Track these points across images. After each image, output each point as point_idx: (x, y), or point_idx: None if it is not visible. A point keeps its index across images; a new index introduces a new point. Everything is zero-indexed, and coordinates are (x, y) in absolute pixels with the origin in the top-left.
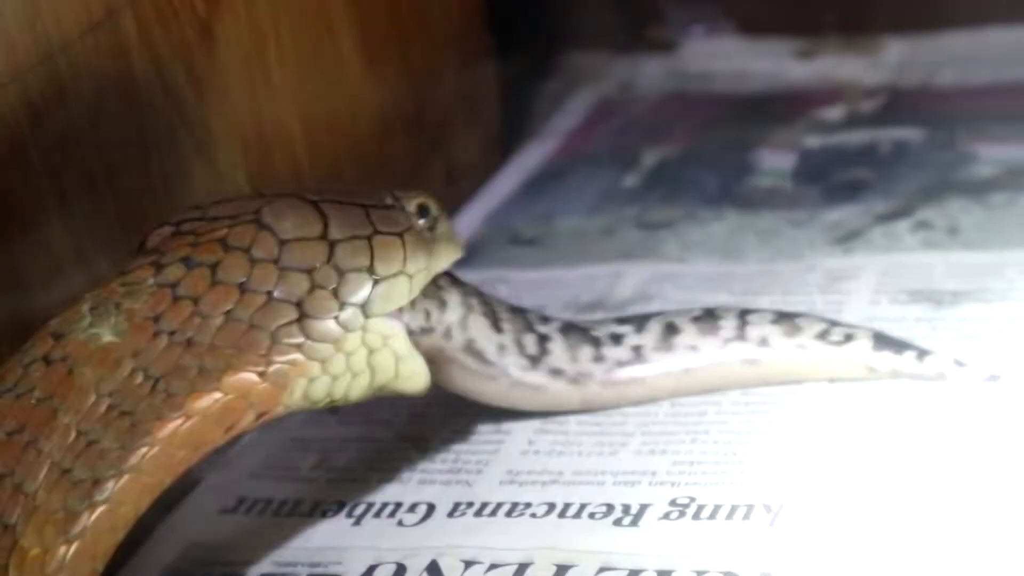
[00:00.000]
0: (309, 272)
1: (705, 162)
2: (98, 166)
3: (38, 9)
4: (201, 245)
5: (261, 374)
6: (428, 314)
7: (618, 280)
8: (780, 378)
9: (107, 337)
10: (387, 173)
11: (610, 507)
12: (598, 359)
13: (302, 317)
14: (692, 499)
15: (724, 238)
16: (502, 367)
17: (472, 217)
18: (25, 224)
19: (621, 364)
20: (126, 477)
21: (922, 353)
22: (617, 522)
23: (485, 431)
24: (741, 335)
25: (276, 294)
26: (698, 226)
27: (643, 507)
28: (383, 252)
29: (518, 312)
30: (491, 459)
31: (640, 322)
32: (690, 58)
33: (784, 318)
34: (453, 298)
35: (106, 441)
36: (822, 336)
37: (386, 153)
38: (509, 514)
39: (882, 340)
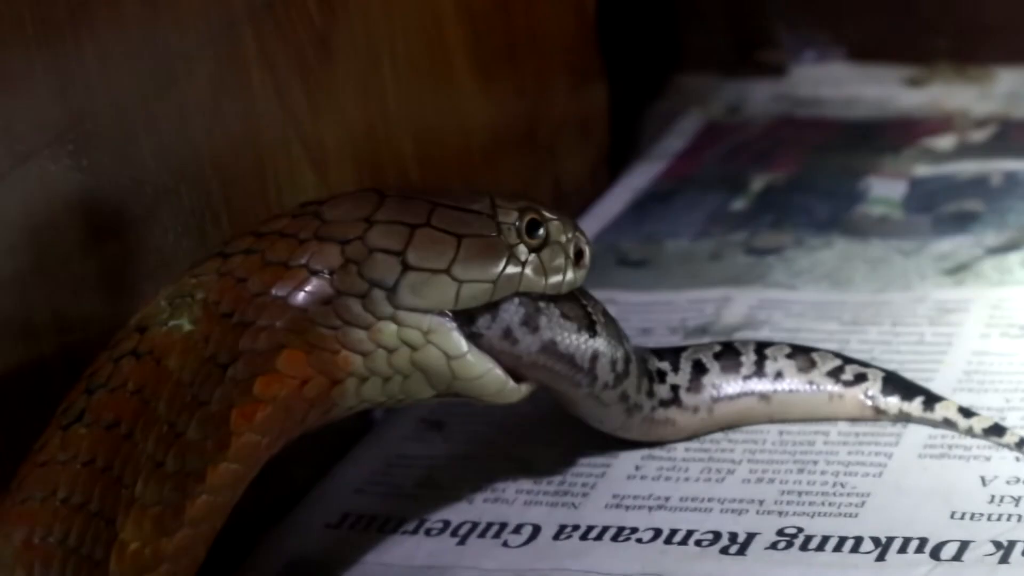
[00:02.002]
0: (342, 244)
1: (814, 188)
2: (212, 176)
3: (159, 19)
4: (263, 236)
5: (308, 353)
6: (473, 319)
7: (726, 305)
8: (793, 415)
9: (187, 327)
10: (496, 191)
11: (717, 535)
12: (650, 394)
13: (335, 296)
14: (800, 529)
15: (833, 266)
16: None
17: None
18: (139, 231)
19: (664, 403)
20: (214, 467)
21: (930, 399)
22: (724, 550)
23: (592, 454)
24: (759, 371)
25: (312, 266)
26: (807, 253)
27: (750, 536)
28: (424, 244)
29: (611, 321)
30: (597, 482)
31: (673, 358)
32: (800, 83)
33: (799, 352)
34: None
35: (192, 432)
36: (834, 374)
37: (496, 170)
38: (615, 539)
39: (891, 382)
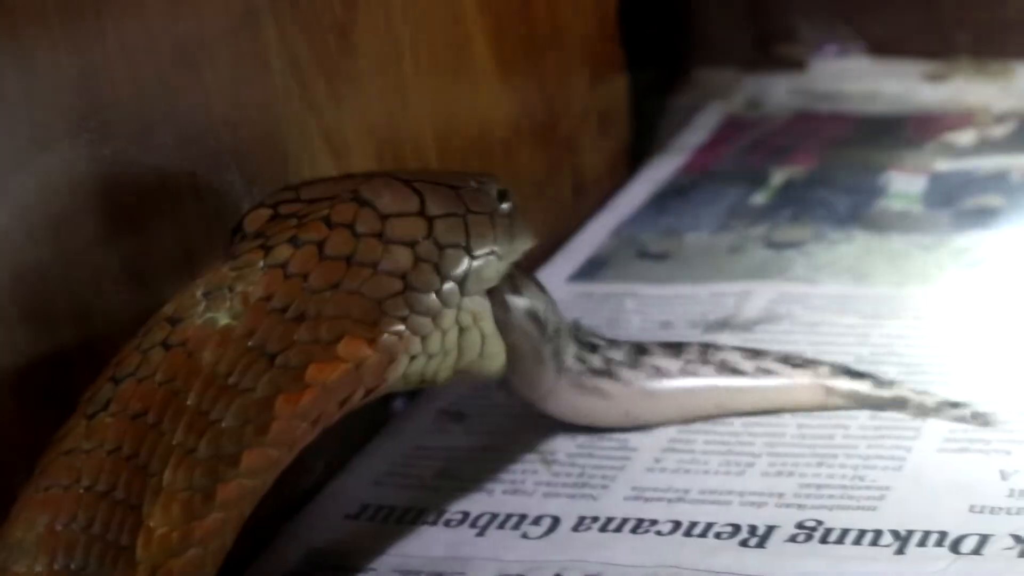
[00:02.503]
0: (412, 246)
1: (834, 183)
2: (233, 165)
3: (181, 8)
4: (306, 225)
5: (371, 343)
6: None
7: (746, 299)
8: (746, 404)
9: (224, 320)
10: (516, 183)
11: (736, 528)
12: (580, 360)
13: (406, 289)
14: (819, 523)
15: (853, 260)
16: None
17: (599, 230)
18: (160, 221)
19: (596, 372)
20: (250, 452)
21: (880, 382)
22: (743, 543)
23: (611, 447)
24: (703, 358)
25: (381, 266)
26: (827, 247)
27: (770, 529)
28: (476, 230)
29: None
30: (617, 475)
31: (615, 340)
32: (819, 77)
33: (748, 350)
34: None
35: (228, 420)
36: (783, 360)
37: (516, 163)
38: (634, 530)
39: (842, 368)
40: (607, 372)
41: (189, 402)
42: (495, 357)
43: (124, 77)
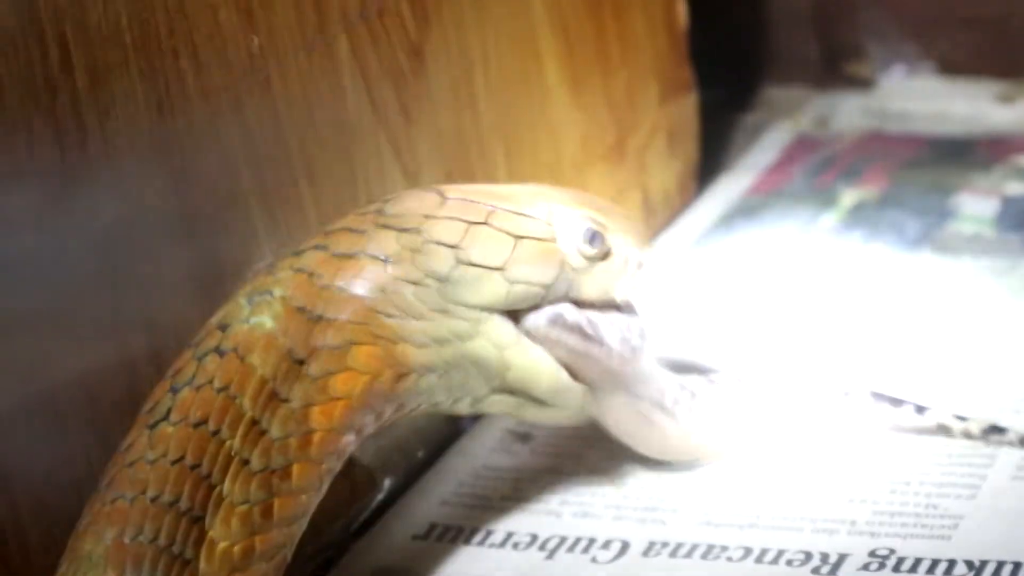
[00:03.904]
0: (400, 232)
1: (904, 204)
2: (305, 185)
3: (255, 25)
4: (332, 232)
5: (375, 346)
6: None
7: None
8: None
9: (268, 324)
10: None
11: (808, 555)
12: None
13: (390, 282)
14: (892, 551)
15: None
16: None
17: (668, 248)
18: (229, 233)
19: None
20: (300, 466)
21: (920, 408)
22: (815, 571)
23: (680, 471)
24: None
25: (370, 251)
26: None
27: (842, 557)
28: (481, 240)
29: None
30: (687, 499)
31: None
32: (889, 96)
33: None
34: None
35: (274, 430)
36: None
37: (585, 181)
38: (705, 556)
39: (879, 395)
40: (660, 404)
41: (244, 408)
42: (535, 369)
43: (197, 96)
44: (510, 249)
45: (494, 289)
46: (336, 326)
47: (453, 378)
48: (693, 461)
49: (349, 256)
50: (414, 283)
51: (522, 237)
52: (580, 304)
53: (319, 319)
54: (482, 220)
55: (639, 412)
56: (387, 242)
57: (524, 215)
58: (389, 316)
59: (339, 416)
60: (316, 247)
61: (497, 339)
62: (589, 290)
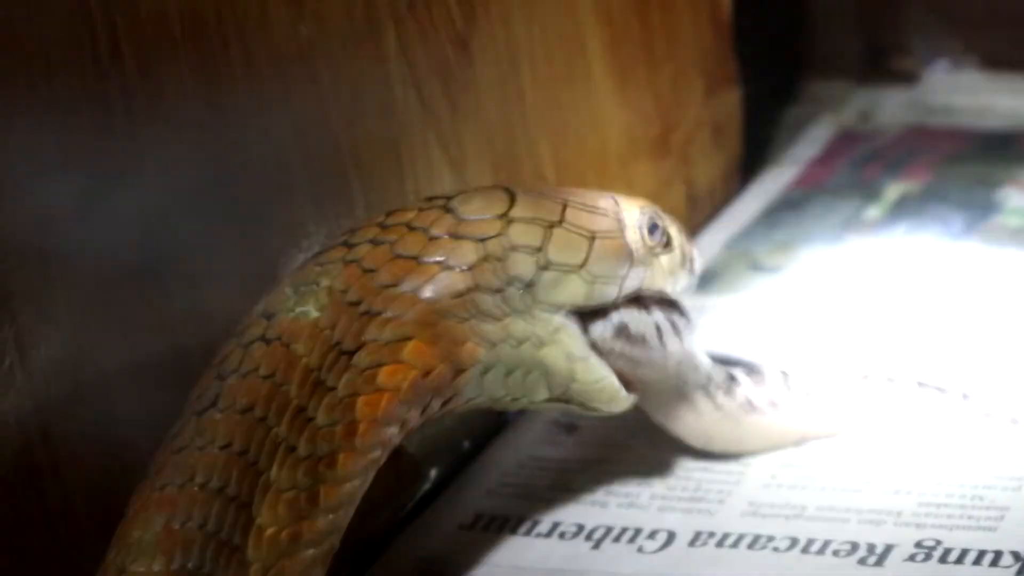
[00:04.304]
0: (480, 242)
1: (949, 198)
2: (354, 176)
3: (303, 14)
4: (389, 227)
5: (434, 345)
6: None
7: None
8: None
9: (313, 314)
10: (630, 194)
11: (854, 546)
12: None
13: (471, 291)
14: (939, 542)
15: None
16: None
17: (711, 241)
18: (277, 225)
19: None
20: (344, 454)
21: (964, 397)
22: (861, 561)
23: (725, 461)
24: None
25: (448, 262)
26: None
27: (888, 547)
28: (561, 241)
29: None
30: (733, 489)
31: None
32: (933, 91)
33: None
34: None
35: (320, 418)
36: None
37: (630, 174)
38: (751, 546)
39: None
40: (706, 392)
41: (291, 395)
42: (598, 386)
43: (246, 88)
44: (587, 247)
45: (575, 289)
46: (395, 323)
47: (515, 378)
48: (737, 451)
49: (415, 258)
50: (496, 291)
51: (596, 233)
52: (641, 299)
53: (375, 315)
54: (558, 219)
55: (686, 401)
56: (465, 252)
57: (593, 211)
58: (461, 320)
59: (384, 408)
60: (372, 241)
61: (568, 350)
62: (652, 283)
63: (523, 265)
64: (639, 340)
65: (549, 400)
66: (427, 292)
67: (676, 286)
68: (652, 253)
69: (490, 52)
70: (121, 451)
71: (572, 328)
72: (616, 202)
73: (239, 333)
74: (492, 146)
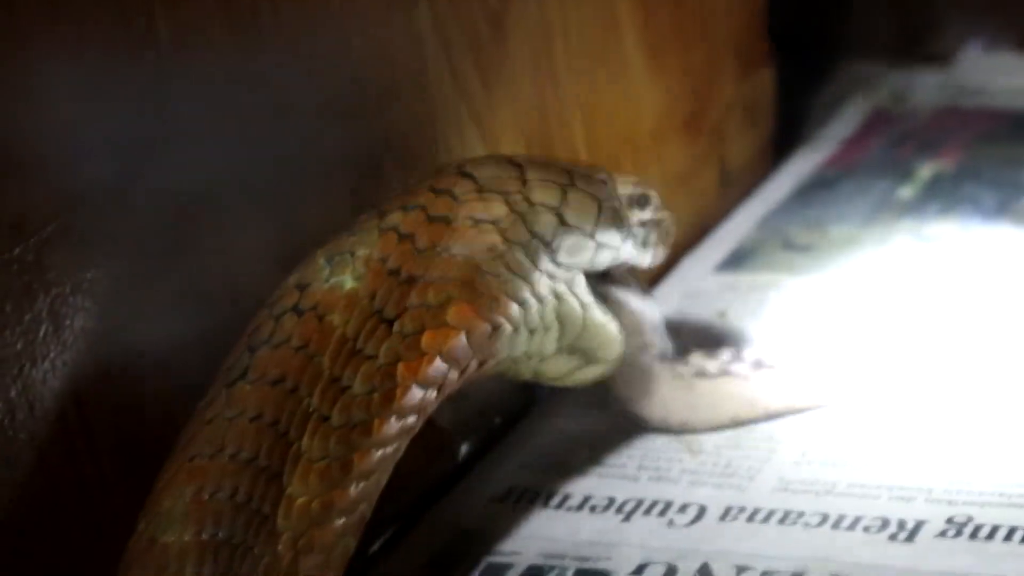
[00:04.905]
0: (505, 196)
1: (981, 177)
2: (386, 152)
3: None
4: (414, 193)
5: (474, 306)
6: None
7: None
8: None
9: (349, 284)
10: (662, 172)
11: (885, 521)
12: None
13: (502, 245)
14: (970, 518)
15: None
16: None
17: (744, 220)
18: (310, 202)
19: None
20: (381, 421)
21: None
22: (892, 537)
23: (757, 437)
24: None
25: (478, 217)
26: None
27: (919, 523)
28: (575, 203)
29: None
30: (763, 466)
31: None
32: (966, 72)
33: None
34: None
35: (357, 386)
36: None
37: (662, 153)
38: (782, 522)
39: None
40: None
41: (323, 367)
42: (605, 329)
43: (276, 47)
44: (596, 212)
45: (586, 253)
46: (436, 286)
47: (536, 336)
48: (693, 421)
49: (448, 219)
50: (523, 245)
51: (602, 201)
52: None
53: (415, 280)
54: (568, 181)
55: (646, 369)
56: (493, 207)
57: (595, 179)
58: (497, 276)
59: (424, 370)
60: (402, 208)
61: (583, 298)
62: (635, 253)
63: (545, 222)
64: (616, 307)
65: (557, 354)
66: (463, 250)
67: (655, 259)
68: (641, 226)
69: (523, 29)
70: (153, 422)
71: (581, 277)
72: (610, 175)
73: (270, 304)
74: (525, 123)
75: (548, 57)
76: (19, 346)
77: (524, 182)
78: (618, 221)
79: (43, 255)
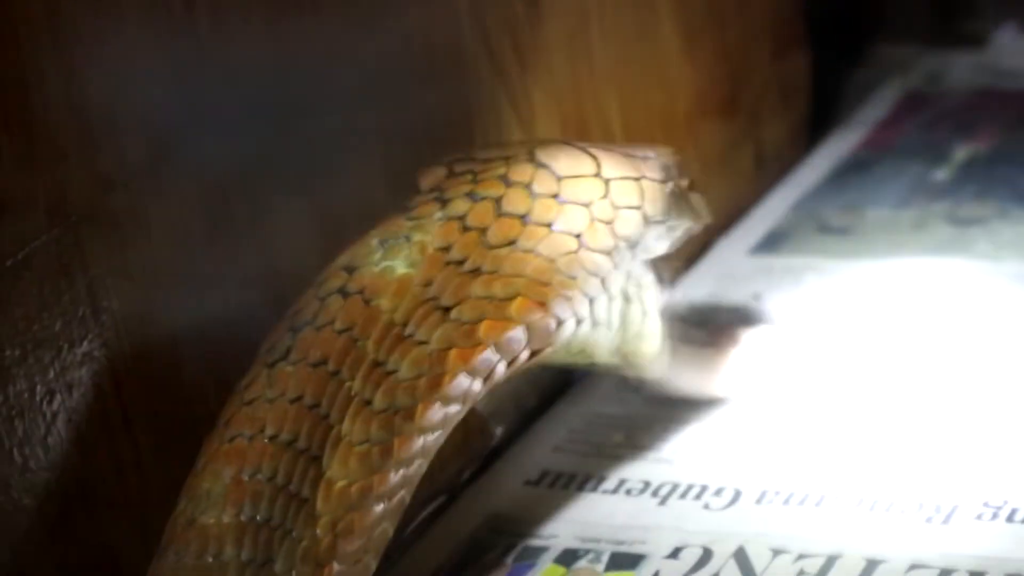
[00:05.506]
0: (587, 206)
1: (1017, 160)
2: (422, 132)
3: None
4: (483, 182)
5: (543, 305)
6: None
7: None
8: None
9: (401, 269)
10: (698, 154)
11: (921, 505)
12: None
13: (580, 249)
14: (1006, 501)
15: None
16: None
17: (779, 203)
18: (346, 182)
19: None
20: (425, 406)
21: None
22: (928, 520)
23: (792, 420)
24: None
25: (556, 227)
26: (1011, 225)
27: (955, 507)
28: (651, 196)
29: None
30: (800, 449)
31: None
32: (1001, 54)
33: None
34: None
35: (403, 371)
36: None
37: (698, 134)
38: (818, 505)
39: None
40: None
41: (367, 351)
42: (652, 338)
43: (313, 29)
44: (667, 199)
45: (663, 240)
46: (504, 281)
47: (597, 331)
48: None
49: (522, 218)
50: (607, 251)
51: (664, 182)
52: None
53: (479, 272)
54: (640, 174)
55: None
56: (574, 219)
57: (653, 161)
58: (570, 277)
59: (475, 359)
60: (469, 196)
61: (647, 303)
62: (687, 223)
63: (631, 224)
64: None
65: (611, 357)
66: (541, 252)
67: (693, 227)
68: (682, 198)
69: (559, 10)
70: (189, 401)
71: (651, 281)
72: (652, 152)
73: (317, 285)
74: (561, 104)
75: (584, 39)
76: (57, 327)
77: (605, 184)
78: (683, 201)
79: (81, 237)
